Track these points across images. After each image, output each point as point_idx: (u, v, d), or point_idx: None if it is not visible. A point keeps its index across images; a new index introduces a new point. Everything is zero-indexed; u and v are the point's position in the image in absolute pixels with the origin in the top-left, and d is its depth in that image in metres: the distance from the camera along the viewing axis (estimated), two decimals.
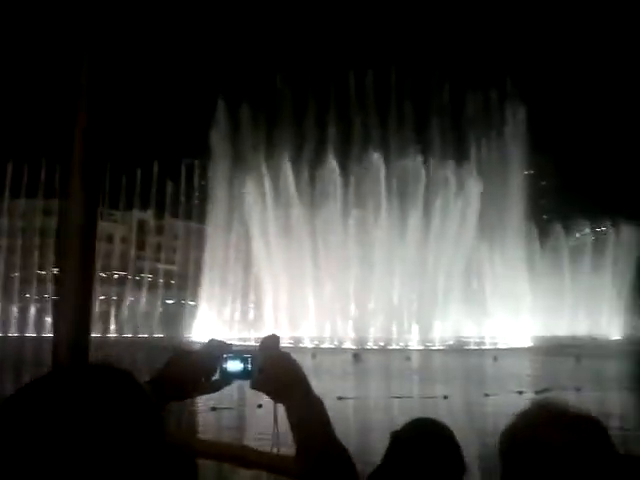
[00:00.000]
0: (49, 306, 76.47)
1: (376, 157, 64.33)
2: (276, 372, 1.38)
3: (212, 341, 1.45)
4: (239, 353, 1.43)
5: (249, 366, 1.41)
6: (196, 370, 1.39)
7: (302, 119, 66.74)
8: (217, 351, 1.43)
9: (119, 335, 72.61)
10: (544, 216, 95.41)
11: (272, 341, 1.42)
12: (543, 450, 1.17)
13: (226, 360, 1.42)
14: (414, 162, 64.69)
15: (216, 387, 1.44)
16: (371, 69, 69.41)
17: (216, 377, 1.43)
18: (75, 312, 2.29)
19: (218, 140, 69.19)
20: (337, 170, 64.40)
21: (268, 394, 1.42)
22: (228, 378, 1.42)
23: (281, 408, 1.41)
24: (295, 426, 1.37)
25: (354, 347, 50.22)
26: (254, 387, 1.42)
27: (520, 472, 1.21)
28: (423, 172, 64.40)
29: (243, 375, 1.42)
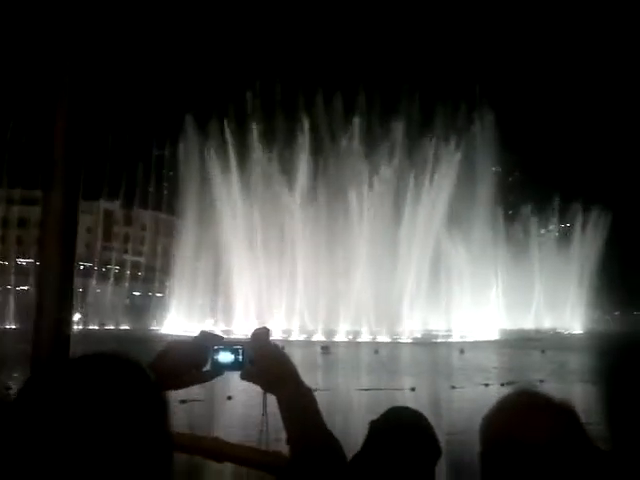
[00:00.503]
0: (11, 297, 74.70)
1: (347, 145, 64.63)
2: (267, 363, 1.41)
3: (203, 332, 1.48)
4: (230, 344, 1.46)
5: (240, 357, 1.44)
6: (188, 361, 1.41)
7: (272, 117, 66.39)
8: (208, 342, 1.45)
9: (84, 327, 71.38)
10: (510, 212, 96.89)
11: (263, 333, 1.45)
12: (522, 436, 1.22)
13: (217, 351, 1.44)
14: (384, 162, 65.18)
15: (207, 378, 1.46)
16: (340, 84, 69.34)
17: (207, 368, 1.45)
18: (56, 304, 2.27)
19: (189, 133, 68.51)
20: (307, 158, 64.38)
21: (258, 384, 1.45)
22: (219, 369, 1.45)
23: (271, 398, 1.44)
24: (287, 416, 1.40)
25: (323, 340, 50.44)
26: (245, 378, 1.45)
27: (500, 457, 1.25)
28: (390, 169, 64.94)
29: (234, 366, 1.44)
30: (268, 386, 1.44)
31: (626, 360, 33.41)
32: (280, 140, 65.43)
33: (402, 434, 1.94)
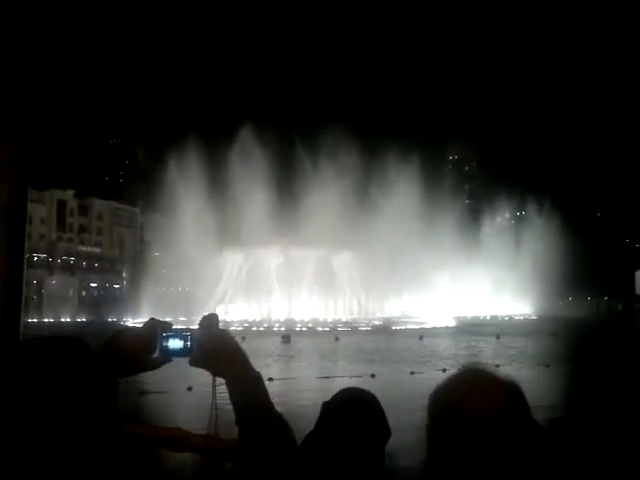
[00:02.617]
0: None
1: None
2: (215, 348, 1.44)
3: (152, 320, 1.49)
4: (179, 331, 1.48)
5: (188, 343, 1.46)
6: (136, 348, 1.42)
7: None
8: (157, 329, 1.46)
9: (39, 320, 69.64)
10: (467, 200, 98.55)
11: (211, 319, 1.48)
12: (465, 409, 1.29)
13: (166, 338, 1.46)
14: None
15: (156, 364, 1.47)
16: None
17: (156, 355, 1.47)
18: (5, 296, 2.25)
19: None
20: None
21: (207, 369, 1.47)
22: (168, 355, 1.46)
23: (219, 381, 1.48)
24: (235, 398, 1.44)
25: (283, 329, 50.47)
26: (193, 364, 1.47)
27: (444, 429, 1.32)
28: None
29: (183, 352, 1.46)
30: (216, 370, 1.47)
31: (576, 343, 34.58)
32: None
33: (352, 414, 2.00)
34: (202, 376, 1.54)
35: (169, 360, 1.48)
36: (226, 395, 1.48)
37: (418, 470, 1.54)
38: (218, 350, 1.45)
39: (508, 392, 1.33)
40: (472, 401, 1.29)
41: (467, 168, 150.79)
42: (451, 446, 1.29)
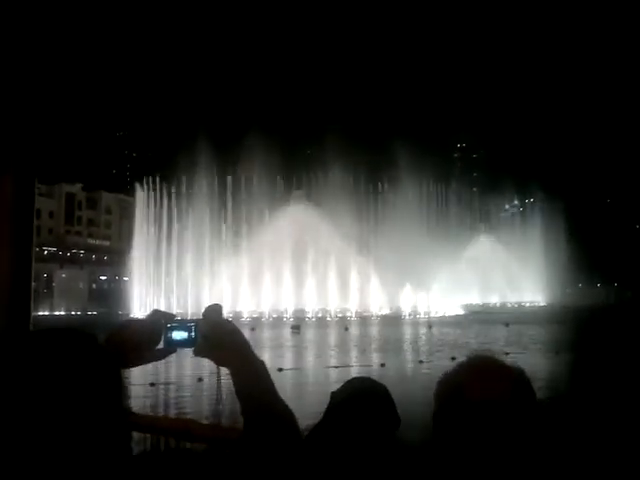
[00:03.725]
0: None
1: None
2: (219, 338, 1.44)
3: (156, 311, 1.49)
4: (183, 322, 1.47)
5: (192, 334, 1.46)
6: (141, 339, 1.42)
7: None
8: (161, 320, 1.46)
9: (50, 313, 70.22)
10: (475, 188, 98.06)
11: (214, 309, 1.47)
12: (471, 394, 1.30)
13: (170, 329, 1.46)
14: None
15: (161, 355, 1.48)
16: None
17: (160, 346, 1.47)
18: (15, 290, 2.25)
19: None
20: None
21: (212, 359, 1.47)
22: (172, 346, 1.46)
23: (224, 371, 1.47)
24: (239, 388, 1.43)
25: (293, 319, 50.62)
26: (197, 354, 1.47)
27: (450, 414, 1.33)
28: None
29: (187, 343, 1.46)
30: (220, 360, 1.47)
31: (585, 330, 34.47)
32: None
33: (361, 403, 2.00)
34: (214, 368, 1.54)
35: (173, 351, 1.48)
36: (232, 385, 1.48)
37: (423, 452, 1.54)
38: (221, 340, 1.44)
39: (513, 377, 1.34)
40: (478, 386, 1.31)
41: (475, 156, 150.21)
42: (456, 430, 1.31)
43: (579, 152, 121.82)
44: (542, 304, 79.18)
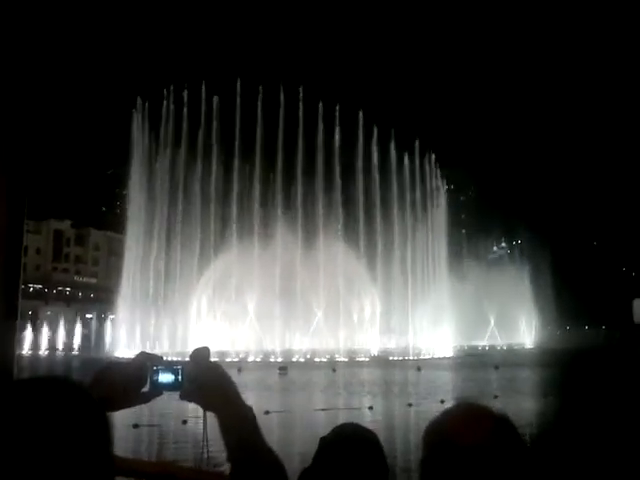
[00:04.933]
0: None
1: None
2: (206, 382, 1.42)
3: (142, 353, 1.47)
4: (169, 365, 1.46)
5: (179, 377, 1.44)
6: (126, 381, 1.40)
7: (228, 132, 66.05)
8: (147, 363, 1.45)
9: (34, 352, 68.93)
10: (463, 230, 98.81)
11: (202, 352, 1.46)
12: (458, 440, 1.32)
13: (157, 372, 1.44)
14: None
15: (146, 398, 1.46)
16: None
17: (146, 389, 1.45)
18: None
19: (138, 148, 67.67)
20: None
21: (198, 403, 1.45)
22: (158, 389, 1.44)
23: (211, 416, 1.45)
24: (226, 434, 1.41)
25: (280, 360, 50.06)
26: (184, 398, 1.45)
27: (437, 460, 1.34)
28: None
29: (173, 386, 1.44)
30: (207, 405, 1.45)
31: (572, 373, 34.36)
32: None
33: (350, 450, 1.98)
34: (199, 410, 1.53)
35: (159, 394, 1.46)
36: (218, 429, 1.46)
37: None
38: (208, 384, 1.43)
39: (496, 421, 1.38)
40: (463, 432, 1.33)
41: (462, 198, 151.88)
42: (443, 476, 1.32)
43: (566, 195, 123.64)
44: (530, 346, 79.08)
